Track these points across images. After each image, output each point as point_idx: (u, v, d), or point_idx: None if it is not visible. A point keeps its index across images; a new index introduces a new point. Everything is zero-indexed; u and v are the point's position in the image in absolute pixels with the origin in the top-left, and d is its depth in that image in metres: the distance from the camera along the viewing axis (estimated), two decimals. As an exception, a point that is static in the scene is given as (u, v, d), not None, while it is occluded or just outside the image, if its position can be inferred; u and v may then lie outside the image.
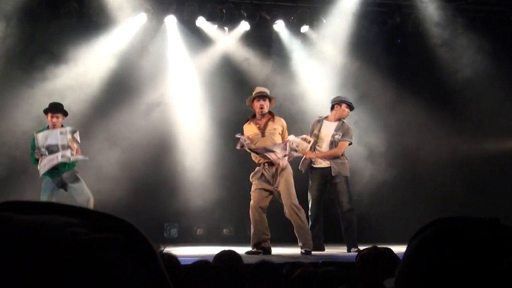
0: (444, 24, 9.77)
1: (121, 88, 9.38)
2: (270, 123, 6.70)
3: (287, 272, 3.60)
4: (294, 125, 9.77)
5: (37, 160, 6.84)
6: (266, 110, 6.70)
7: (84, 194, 6.90)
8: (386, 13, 9.89)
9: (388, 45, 10.08)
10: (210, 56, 9.98)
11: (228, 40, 9.98)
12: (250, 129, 6.75)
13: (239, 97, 9.87)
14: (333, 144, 7.18)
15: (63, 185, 6.97)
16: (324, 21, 9.85)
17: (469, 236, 0.67)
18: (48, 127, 6.99)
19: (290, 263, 3.76)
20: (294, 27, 9.98)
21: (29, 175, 8.06)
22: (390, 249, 3.38)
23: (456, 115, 9.93)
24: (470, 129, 9.96)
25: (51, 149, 6.78)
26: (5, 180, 8.54)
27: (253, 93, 6.85)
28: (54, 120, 6.90)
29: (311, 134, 7.23)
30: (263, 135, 6.63)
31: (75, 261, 0.49)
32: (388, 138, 9.77)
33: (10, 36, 8.87)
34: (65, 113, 7.04)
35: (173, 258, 1.67)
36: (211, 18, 9.54)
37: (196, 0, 9.47)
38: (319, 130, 7.24)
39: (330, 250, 7.34)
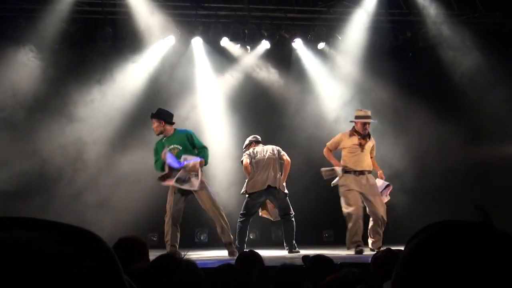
0: (453, 37, 9.68)
1: (152, 105, 9.48)
2: (369, 141, 7.21)
3: (309, 267, 3.57)
4: (313, 133, 9.79)
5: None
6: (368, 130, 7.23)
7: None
8: (398, 29, 9.86)
9: (400, 59, 10.03)
10: (234, 73, 10.05)
11: (250, 58, 10.04)
12: (351, 140, 7.17)
13: (261, 111, 9.93)
14: None
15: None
16: (339, 37, 9.87)
17: (463, 239, 0.66)
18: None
19: (313, 258, 3.68)
20: (311, 44, 10.02)
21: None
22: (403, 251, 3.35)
23: (466, 125, 9.79)
24: (480, 139, 9.82)
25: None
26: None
27: (362, 114, 7.25)
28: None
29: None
30: (362, 150, 7.14)
31: (39, 274, 0.49)
32: (400, 148, 9.67)
33: (52, 62, 9.07)
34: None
35: (191, 264, 1.68)
36: (234, 38, 9.61)
37: (220, 22, 9.57)
38: None
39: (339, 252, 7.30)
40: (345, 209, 7.07)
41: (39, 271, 0.49)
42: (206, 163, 6.86)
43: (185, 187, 6.68)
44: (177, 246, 6.66)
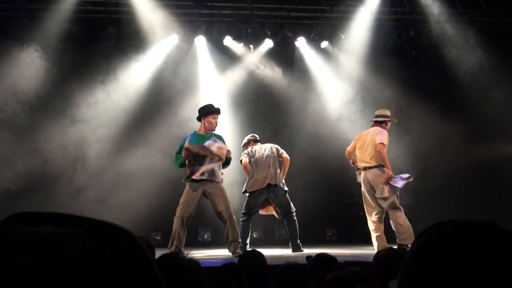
0: (456, 36, 9.67)
1: (155, 104, 9.53)
2: None
3: (315, 267, 3.56)
4: (316, 132, 9.80)
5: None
6: None
7: None
8: (401, 27, 9.85)
9: (403, 57, 10.02)
10: (237, 72, 10.06)
11: (253, 57, 10.05)
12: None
13: (264, 109, 9.94)
14: None
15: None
16: (343, 36, 9.87)
17: (468, 238, 0.67)
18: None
19: (318, 258, 3.67)
20: (314, 43, 10.02)
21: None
22: (405, 250, 3.35)
23: (469, 124, 9.77)
24: (483, 137, 9.80)
25: None
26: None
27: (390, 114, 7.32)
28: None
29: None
30: None
31: (73, 271, 0.49)
32: (404, 147, 9.66)
33: (55, 61, 9.10)
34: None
35: (194, 263, 1.70)
36: (237, 37, 9.62)
37: (223, 21, 9.58)
38: None
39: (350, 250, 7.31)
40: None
41: (71, 267, 0.49)
42: (227, 163, 6.91)
43: (207, 177, 6.67)
44: (181, 248, 6.64)
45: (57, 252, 0.50)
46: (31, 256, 0.49)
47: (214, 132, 6.94)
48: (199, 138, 6.82)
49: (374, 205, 7.06)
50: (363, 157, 7.10)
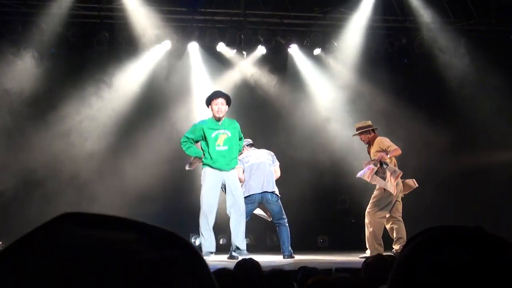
0: (448, 44, 9.82)
1: (148, 110, 9.60)
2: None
3: (301, 279, 3.65)
4: (308, 140, 9.90)
5: None
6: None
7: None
8: (393, 35, 9.99)
9: (395, 65, 10.15)
10: (230, 78, 10.15)
11: (246, 63, 10.15)
12: None
13: (257, 115, 10.02)
14: None
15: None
16: (335, 44, 9.98)
17: (456, 243, 0.68)
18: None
19: (303, 270, 3.79)
20: (307, 50, 10.12)
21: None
22: (394, 257, 3.44)
23: (458, 131, 9.89)
24: (471, 145, 9.90)
25: None
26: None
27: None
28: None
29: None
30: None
31: (136, 281, 0.48)
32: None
33: (48, 65, 9.15)
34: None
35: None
36: (230, 43, 9.71)
37: (216, 27, 9.67)
38: None
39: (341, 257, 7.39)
40: None
41: (135, 275, 0.48)
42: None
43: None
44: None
45: (128, 258, 0.49)
46: (88, 261, 0.48)
47: (226, 118, 6.76)
48: (212, 124, 6.72)
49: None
50: None
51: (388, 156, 7.06)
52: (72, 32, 9.20)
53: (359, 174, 7.25)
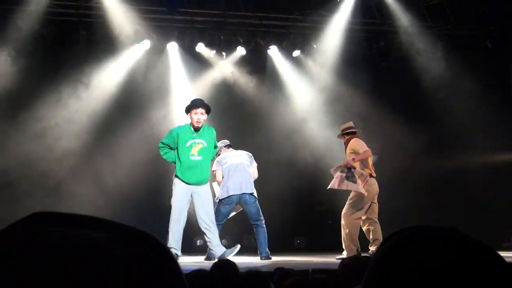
0: (425, 48, 9.95)
1: (126, 109, 9.55)
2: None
3: (278, 280, 3.66)
4: (286, 141, 9.95)
5: None
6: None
7: None
8: (371, 38, 10.09)
9: (373, 68, 10.25)
10: (209, 79, 10.14)
11: (225, 64, 10.15)
12: None
13: (235, 116, 10.03)
14: None
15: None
16: (315, 46, 10.04)
17: (431, 243, 0.68)
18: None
19: (280, 271, 3.80)
20: (286, 52, 10.17)
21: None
22: (370, 258, 3.47)
23: (433, 134, 10.01)
24: (449, 146, 10.05)
25: None
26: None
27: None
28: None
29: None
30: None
31: (106, 277, 0.48)
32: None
33: (24, 63, 9.04)
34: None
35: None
36: (210, 44, 9.70)
37: (196, 27, 9.66)
38: None
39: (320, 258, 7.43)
40: None
41: (110, 273, 0.48)
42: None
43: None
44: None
45: (98, 256, 0.49)
46: (61, 260, 0.48)
47: (204, 126, 6.75)
48: (188, 132, 6.70)
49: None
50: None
51: (355, 160, 7.11)
52: (49, 30, 9.10)
53: (329, 186, 7.28)
